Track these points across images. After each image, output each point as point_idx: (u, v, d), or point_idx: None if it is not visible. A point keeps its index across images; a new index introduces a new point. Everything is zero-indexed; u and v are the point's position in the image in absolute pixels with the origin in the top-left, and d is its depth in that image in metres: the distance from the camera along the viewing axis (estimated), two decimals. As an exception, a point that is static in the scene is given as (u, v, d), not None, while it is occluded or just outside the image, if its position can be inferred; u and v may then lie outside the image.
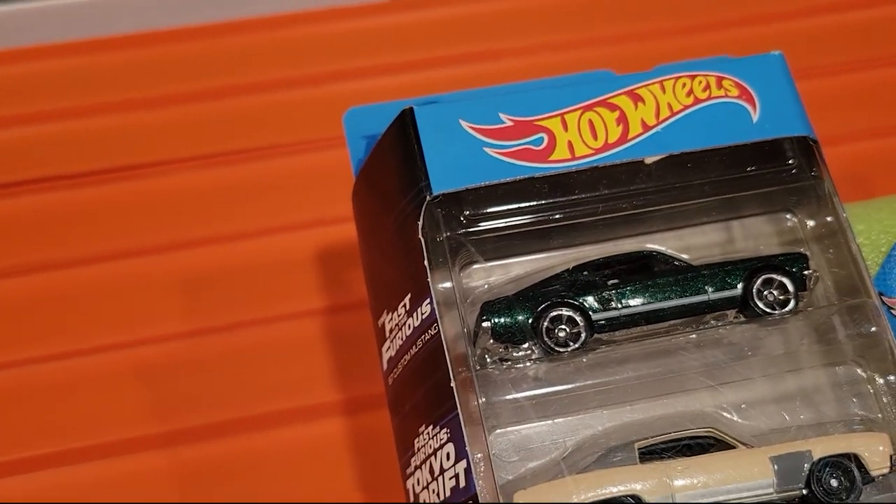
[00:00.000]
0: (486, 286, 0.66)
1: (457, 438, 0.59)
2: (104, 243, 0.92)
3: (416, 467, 0.63)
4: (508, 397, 0.61)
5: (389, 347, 0.66)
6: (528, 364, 0.62)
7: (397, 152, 0.65)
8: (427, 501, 0.62)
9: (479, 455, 0.59)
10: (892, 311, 0.73)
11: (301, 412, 0.83)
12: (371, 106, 0.75)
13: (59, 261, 0.90)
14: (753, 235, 0.70)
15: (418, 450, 0.63)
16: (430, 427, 0.61)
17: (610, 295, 0.63)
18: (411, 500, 0.64)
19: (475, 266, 0.66)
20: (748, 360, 0.65)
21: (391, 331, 0.66)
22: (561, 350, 0.62)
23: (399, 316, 0.65)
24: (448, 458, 0.60)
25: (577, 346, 0.62)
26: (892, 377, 0.62)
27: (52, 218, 0.93)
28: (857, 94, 0.98)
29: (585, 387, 0.62)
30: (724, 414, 0.64)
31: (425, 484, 0.62)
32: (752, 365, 0.64)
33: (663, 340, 0.64)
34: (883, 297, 0.74)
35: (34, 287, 0.89)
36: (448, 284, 0.63)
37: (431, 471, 0.61)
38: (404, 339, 0.64)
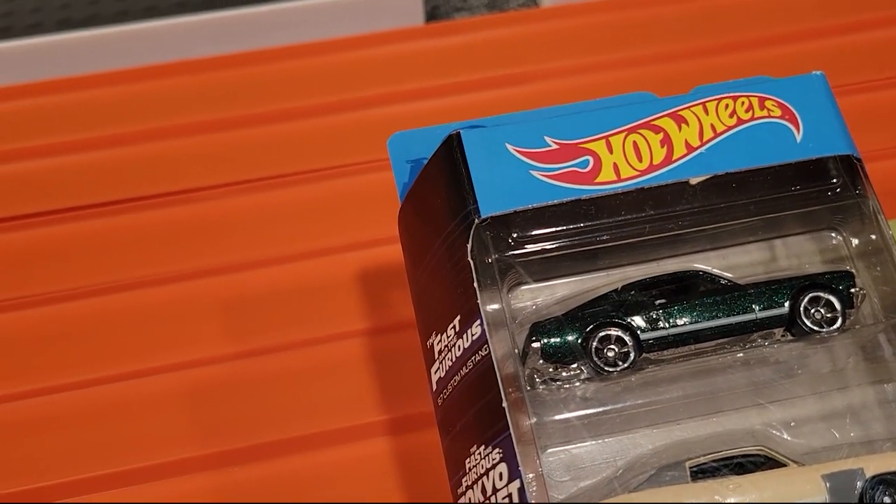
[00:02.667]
0: (533, 307, 0.67)
1: (509, 458, 0.59)
2: (151, 268, 0.93)
3: (468, 487, 0.64)
4: (559, 417, 0.62)
5: (439, 369, 0.67)
6: (577, 384, 0.62)
7: (445, 176, 0.66)
8: (479, 521, 0.63)
9: (531, 475, 0.60)
10: (938, 327, 0.74)
11: (346, 432, 0.83)
12: (414, 131, 0.76)
13: (108, 286, 0.92)
14: (797, 254, 0.70)
15: (469, 470, 0.63)
16: (482, 447, 0.62)
17: (658, 315, 0.64)
18: (463, 519, 0.65)
19: (522, 287, 0.67)
20: (796, 378, 0.65)
21: (440, 352, 0.67)
22: (610, 370, 0.62)
23: (448, 337, 0.66)
24: (501, 478, 0.60)
25: (626, 365, 0.63)
26: (944, 396, 0.63)
27: (101, 243, 0.95)
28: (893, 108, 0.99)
29: (635, 406, 0.63)
30: (774, 432, 0.64)
31: (478, 504, 0.63)
32: (800, 383, 0.65)
33: (711, 359, 0.64)
34: (929, 314, 0.74)
35: (84, 311, 0.90)
36: (496, 306, 0.64)
37: (483, 490, 0.62)
38: (454, 360, 0.65)
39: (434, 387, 0.69)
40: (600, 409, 0.63)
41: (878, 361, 0.65)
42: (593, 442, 0.63)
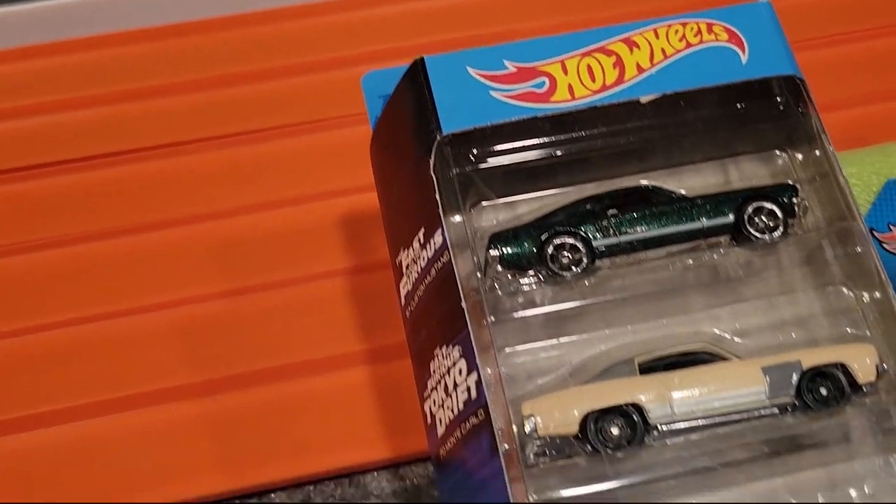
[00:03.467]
0: (495, 223, 0.71)
1: (468, 353, 0.63)
2: (147, 215, 0.98)
3: (433, 388, 0.67)
4: (516, 315, 0.66)
5: (406, 282, 0.71)
6: (534, 287, 0.66)
7: (410, 99, 0.70)
8: (442, 419, 0.66)
9: (489, 371, 0.63)
10: (884, 245, 0.77)
11: (327, 362, 0.88)
12: (387, 69, 0.80)
13: (108, 231, 0.97)
14: (748, 177, 0.74)
15: (434, 371, 0.67)
16: (445, 347, 0.66)
17: (609, 224, 0.67)
18: (429, 422, 0.69)
19: (484, 204, 0.71)
20: (743, 283, 0.69)
21: (407, 266, 0.71)
22: (564, 273, 0.66)
23: (414, 250, 0.69)
24: (461, 374, 0.64)
25: (579, 270, 0.66)
26: (878, 294, 0.66)
27: (100, 192, 1.00)
28: (851, 62, 1.03)
29: (590, 308, 0.67)
30: (722, 334, 0.67)
31: (441, 402, 0.66)
32: (746, 288, 0.68)
33: (662, 266, 0.68)
34: (874, 233, 0.77)
35: (86, 255, 0.95)
36: (458, 218, 0.68)
37: (446, 388, 0.66)
38: (419, 271, 0.69)
39: (402, 301, 0.73)
40: (556, 309, 0.66)
41: (820, 266, 0.68)
42: (549, 342, 0.67)
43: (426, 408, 0.69)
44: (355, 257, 0.94)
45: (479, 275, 0.66)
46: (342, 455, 0.84)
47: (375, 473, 0.85)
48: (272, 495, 0.85)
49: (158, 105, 1.05)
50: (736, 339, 0.68)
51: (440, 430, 0.67)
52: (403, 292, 0.72)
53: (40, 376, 0.88)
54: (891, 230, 0.77)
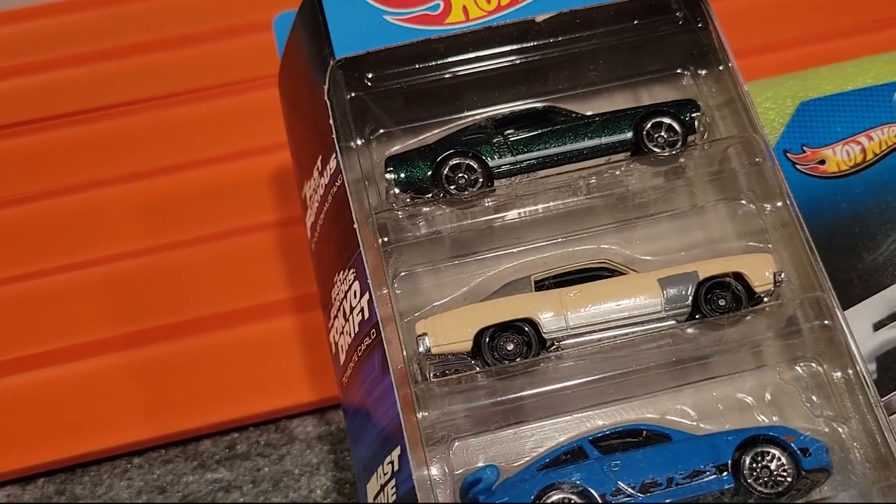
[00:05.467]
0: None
1: (361, 274, 0.62)
2: (75, 176, 0.97)
3: (335, 317, 0.67)
4: (415, 238, 0.65)
5: (310, 214, 0.71)
6: (431, 207, 0.65)
7: (306, 27, 0.69)
8: (343, 345, 0.66)
9: (384, 291, 0.63)
10: (797, 166, 0.76)
11: (250, 311, 0.87)
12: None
13: (36, 193, 0.96)
14: (658, 101, 0.73)
15: (334, 299, 0.66)
16: (342, 272, 0.65)
17: (506, 143, 0.66)
18: (333, 351, 0.68)
19: (381, 131, 0.70)
20: (648, 205, 0.68)
21: (310, 197, 0.70)
22: (461, 194, 0.65)
23: (315, 180, 0.69)
24: (356, 296, 0.63)
25: (475, 190, 0.65)
26: (779, 203, 0.65)
27: (28, 156, 0.99)
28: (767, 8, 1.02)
29: (492, 230, 0.66)
30: (622, 250, 0.67)
31: (341, 329, 0.66)
32: (652, 205, 0.67)
33: (566, 187, 0.67)
34: (788, 154, 0.77)
35: (14, 216, 0.95)
36: (356, 143, 0.67)
37: (344, 314, 0.65)
38: (319, 199, 0.68)
39: (309, 234, 0.72)
40: (456, 233, 0.65)
41: (726, 177, 0.67)
42: (446, 265, 0.66)
43: (331, 338, 0.68)
44: (276, 212, 0.94)
45: (368, 202, 0.65)
46: (267, 400, 0.84)
47: (301, 418, 0.85)
48: (198, 444, 0.85)
49: (84, 71, 1.05)
50: (639, 256, 0.67)
51: (342, 358, 0.66)
52: (309, 224, 0.72)
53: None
54: (804, 151, 0.76)
